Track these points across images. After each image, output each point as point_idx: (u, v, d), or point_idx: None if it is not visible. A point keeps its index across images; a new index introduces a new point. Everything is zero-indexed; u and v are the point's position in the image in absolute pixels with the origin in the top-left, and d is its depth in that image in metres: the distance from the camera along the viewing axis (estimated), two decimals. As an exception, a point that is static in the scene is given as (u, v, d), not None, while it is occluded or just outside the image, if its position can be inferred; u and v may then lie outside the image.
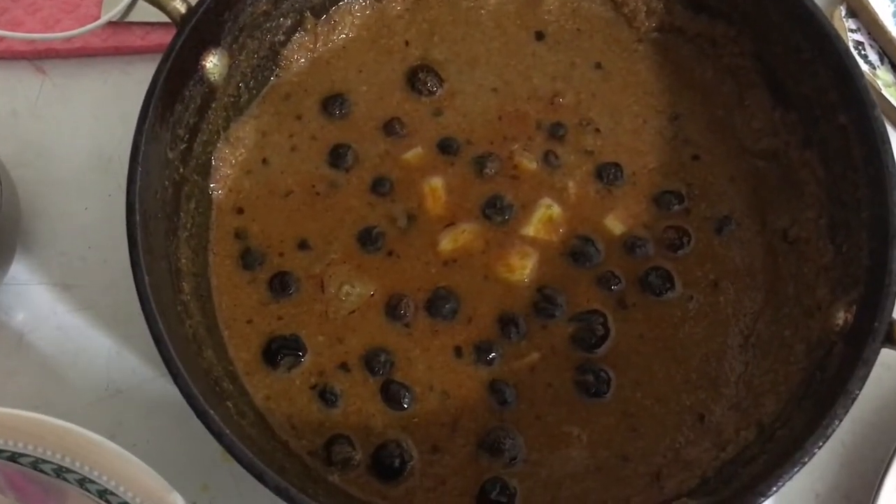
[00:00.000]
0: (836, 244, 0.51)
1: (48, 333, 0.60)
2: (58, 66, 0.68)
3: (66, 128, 0.66)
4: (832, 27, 0.50)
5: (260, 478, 0.42)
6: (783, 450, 0.44)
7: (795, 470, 0.42)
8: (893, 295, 0.45)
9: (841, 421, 0.43)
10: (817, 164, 0.53)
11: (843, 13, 0.68)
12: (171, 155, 0.50)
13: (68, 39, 0.66)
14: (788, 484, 0.55)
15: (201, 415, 0.42)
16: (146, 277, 0.44)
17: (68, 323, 0.60)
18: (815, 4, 0.51)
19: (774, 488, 0.42)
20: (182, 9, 0.50)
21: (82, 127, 0.66)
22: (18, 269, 0.61)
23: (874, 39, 0.68)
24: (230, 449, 0.42)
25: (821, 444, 0.42)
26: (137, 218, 0.45)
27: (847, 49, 0.50)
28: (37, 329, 0.60)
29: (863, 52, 0.68)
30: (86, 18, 0.67)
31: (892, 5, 0.67)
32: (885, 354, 0.45)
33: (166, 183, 0.50)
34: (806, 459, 0.42)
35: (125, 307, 0.58)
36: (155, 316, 0.43)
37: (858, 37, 0.68)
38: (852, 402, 0.43)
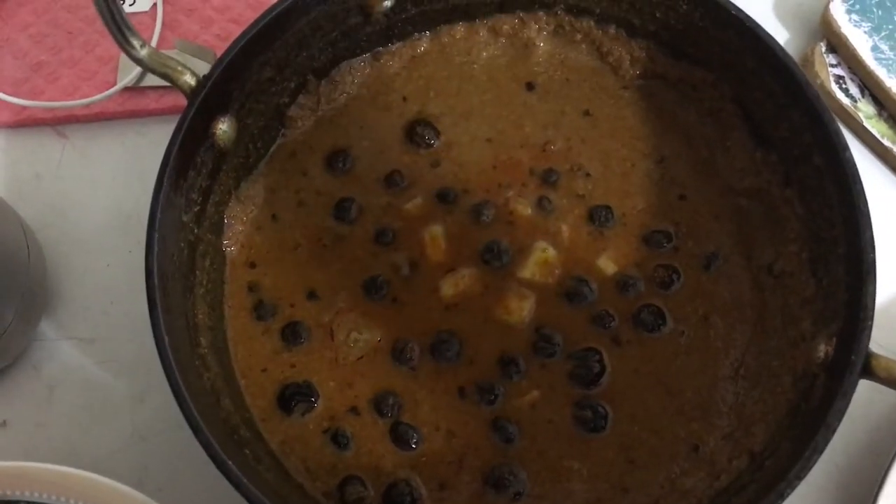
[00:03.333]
0: (818, 277, 0.54)
1: (75, 386, 0.63)
2: (78, 129, 0.71)
3: (87, 188, 0.69)
4: (803, 75, 0.53)
5: (276, 522, 0.44)
6: (770, 479, 0.47)
7: (780, 501, 0.44)
8: (869, 329, 0.47)
9: (821, 453, 0.45)
10: (797, 202, 0.56)
11: (824, 49, 0.71)
12: (185, 218, 0.54)
13: (87, 105, 0.70)
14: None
15: (220, 465, 0.45)
16: (165, 338, 0.47)
17: (94, 375, 0.64)
18: (786, 54, 0.54)
19: (764, 518, 0.44)
20: (192, 82, 0.53)
21: (102, 187, 0.70)
22: (46, 326, 0.65)
23: (854, 73, 0.71)
24: (248, 497, 0.45)
25: (802, 475, 0.45)
26: (156, 281, 0.48)
27: (817, 95, 0.53)
28: (64, 382, 0.63)
29: (844, 86, 0.70)
30: (103, 85, 0.71)
31: (870, 40, 0.70)
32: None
33: (182, 245, 0.53)
34: (788, 491, 0.45)
35: (147, 358, 0.61)
36: (175, 373, 0.46)
37: (839, 71, 0.71)
38: (832, 434, 0.45)
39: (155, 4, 0.73)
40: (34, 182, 0.69)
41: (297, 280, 0.58)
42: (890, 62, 0.69)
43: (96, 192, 0.70)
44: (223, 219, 0.58)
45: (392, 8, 0.61)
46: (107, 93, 0.70)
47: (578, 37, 0.64)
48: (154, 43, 0.71)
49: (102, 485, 0.50)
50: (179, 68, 0.53)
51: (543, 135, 0.62)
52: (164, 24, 0.73)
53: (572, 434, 0.54)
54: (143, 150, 0.70)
